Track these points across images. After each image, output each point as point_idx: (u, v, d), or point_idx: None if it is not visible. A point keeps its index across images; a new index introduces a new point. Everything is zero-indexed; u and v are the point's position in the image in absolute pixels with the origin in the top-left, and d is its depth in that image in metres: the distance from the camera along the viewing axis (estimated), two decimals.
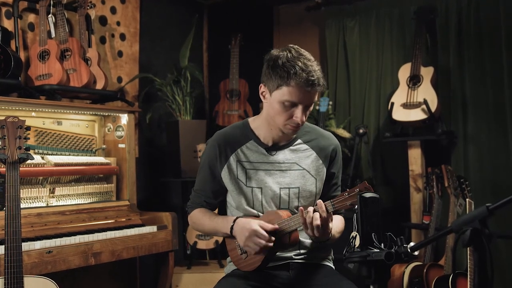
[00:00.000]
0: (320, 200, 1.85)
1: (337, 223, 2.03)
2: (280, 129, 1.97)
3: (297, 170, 2.04)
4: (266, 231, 1.89)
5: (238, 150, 2.05)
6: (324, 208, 1.81)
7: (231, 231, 1.99)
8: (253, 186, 2.02)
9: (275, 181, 2.02)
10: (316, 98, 1.94)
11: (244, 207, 2.04)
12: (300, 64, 1.85)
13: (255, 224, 1.90)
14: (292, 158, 2.05)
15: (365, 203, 1.59)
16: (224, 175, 2.06)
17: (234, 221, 2.00)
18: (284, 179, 2.03)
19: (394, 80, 3.94)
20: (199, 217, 2.15)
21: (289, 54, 1.88)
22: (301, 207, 1.85)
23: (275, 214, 1.93)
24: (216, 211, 2.24)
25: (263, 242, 1.88)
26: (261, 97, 1.99)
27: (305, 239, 2.05)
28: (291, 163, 2.04)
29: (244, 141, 2.06)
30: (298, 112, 1.90)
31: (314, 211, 1.82)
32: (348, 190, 1.78)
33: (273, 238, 1.89)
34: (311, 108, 1.96)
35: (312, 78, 1.85)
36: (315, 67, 1.87)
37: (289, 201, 2.03)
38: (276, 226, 1.90)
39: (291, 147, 2.06)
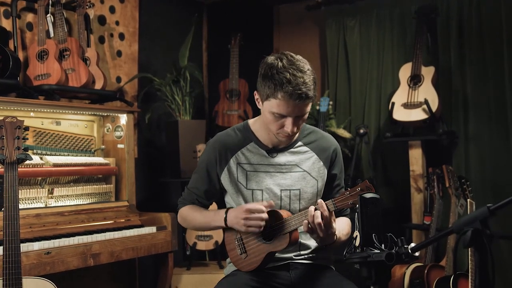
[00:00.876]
0: (320, 199, 1.84)
1: (343, 226, 2.02)
2: (275, 136, 1.98)
3: (298, 172, 2.04)
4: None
5: (239, 152, 2.06)
6: (325, 207, 1.80)
7: (225, 222, 2.00)
8: (253, 188, 2.03)
9: (275, 183, 2.03)
10: (308, 109, 1.92)
11: None
12: (288, 76, 1.82)
13: (247, 204, 1.93)
14: (293, 160, 2.05)
15: (365, 203, 1.58)
16: (224, 178, 2.06)
17: (226, 212, 2.01)
18: (285, 181, 2.03)
19: (394, 80, 3.92)
20: (189, 213, 2.15)
21: (280, 64, 1.86)
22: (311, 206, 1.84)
23: (275, 214, 1.93)
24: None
25: (263, 215, 1.88)
26: (256, 103, 2.00)
27: (306, 240, 2.05)
28: (292, 165, 2.04)
29: (245, 143, 2.07)
30: (288, 124, 1.90)
31: (315, 209, 1.81)
32: (349, 189, 1.77)
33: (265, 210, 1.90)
34: (305, 117, 1.95)
35: (299, 92, 1.82)
36: (305, 78, 1.84)
37: (290, 203, 2.03)
38: (266, 203, 1.92)
39: (291, 149, 2.06)
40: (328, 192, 2.10)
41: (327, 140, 2.11)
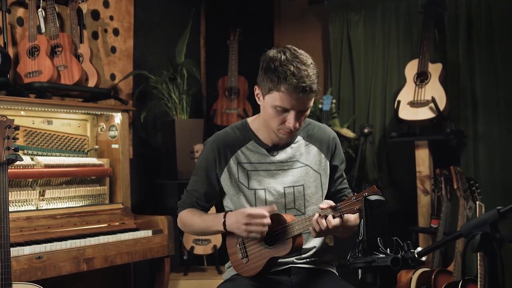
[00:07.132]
0: (317, 215, 1.79)
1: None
2: (275, 133, 1.96)
3: (299, 167, 2.04)
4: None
5: (238, 151, 2.05)
6: (331, 221, 1.78)
7: (224, 226, 1.97)
8: (256, 187, 2.01)
9: (278, 181, 2.02)
10: (311, 104, 1.91)
11: None
12: (292, 68, 1.83)
13: (248, 209, 1.91)
14: (293, 155, 2.05)
15: (370, 206, 1.57)
16: (224, 179, 2.04)
17: (225, 216, 1.98)
18: (288, 178, 2.02)
19: (400, 77, 3.90)
20: (189, 217, 2.13)
21: (283, 57, 1.87)
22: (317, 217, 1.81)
23: (279, 217, 1.90)
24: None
25: (265, 220, 1.85)
26: (256, 98, 1.99)
27: (307, 244, 2.04)
28: (293, 161, 2.04)
29: (244, 142, 2.06)
30: (290, 118, 1.89)
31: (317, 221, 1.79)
32: (355, 194, 1.75)
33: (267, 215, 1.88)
34: (307, 112, 1.94)
35: (303, 85, 1.82)
36: (309, 72, 1.85)
37: (295, 200, 2.02)
38: (268, 208, 1.90)
39: (292, 145, 2.06)
40: (331, 185, 2.09)
41: (324, 131, 2.11)
